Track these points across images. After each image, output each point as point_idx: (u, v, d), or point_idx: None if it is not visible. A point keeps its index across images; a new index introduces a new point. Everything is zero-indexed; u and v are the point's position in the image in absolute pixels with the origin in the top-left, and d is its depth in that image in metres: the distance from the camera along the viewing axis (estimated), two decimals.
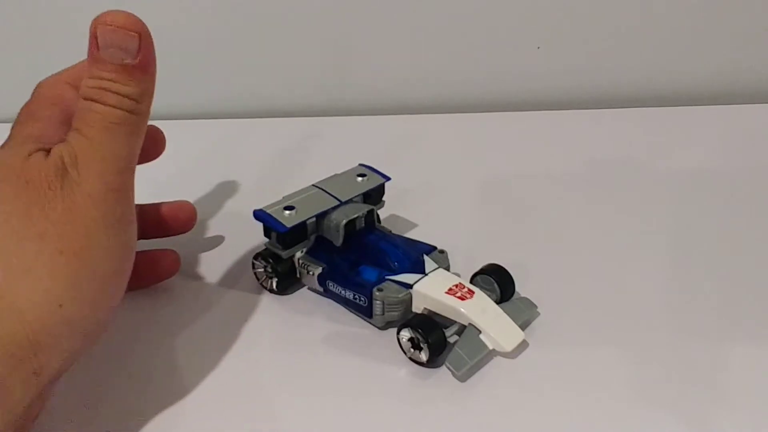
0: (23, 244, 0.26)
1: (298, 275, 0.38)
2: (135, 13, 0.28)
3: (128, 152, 0.29)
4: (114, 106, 0.28)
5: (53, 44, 0.58)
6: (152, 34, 0.28)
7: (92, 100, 0.28)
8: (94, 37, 0.28)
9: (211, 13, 0.57)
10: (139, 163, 0.32)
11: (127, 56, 0.28)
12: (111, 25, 0.28)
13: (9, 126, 0.65)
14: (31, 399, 0.26)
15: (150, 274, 0.38)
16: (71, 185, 0.27)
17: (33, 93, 0.33)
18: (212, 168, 0.51)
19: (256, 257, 0.38)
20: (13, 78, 0.60)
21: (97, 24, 0.28)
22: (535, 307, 0.36)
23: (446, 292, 0.34)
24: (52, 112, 0.31)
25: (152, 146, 0.37)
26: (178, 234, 0.39)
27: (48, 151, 0.28)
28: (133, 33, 0.28)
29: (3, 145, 0.31)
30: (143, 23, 0.28)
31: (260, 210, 0.37)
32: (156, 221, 0.39)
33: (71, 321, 0.27)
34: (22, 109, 0.32)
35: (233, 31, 0.58)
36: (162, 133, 0.37)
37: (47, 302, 0.26)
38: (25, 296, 0.26)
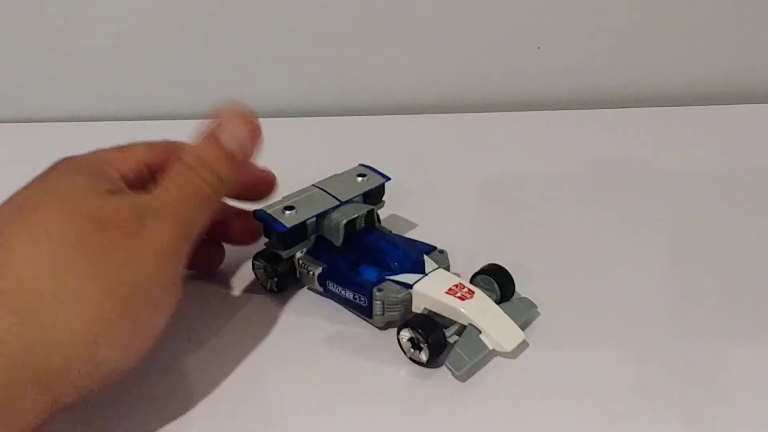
0: (80, 280, 0.27)
1: (298, 275, 0.38)
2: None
3: (198, 223, 0.31)
4: (205, 181, 0.31)
5: (53, 44, 0.58)
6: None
7: (191, 167, 0.31)
8: (221, 121, 0.33)
9: (211, 13, 0.57)
10: (245, 198, 0.37)
11: (238, 150, 0.32)
12: (242, 121, 0.33)
13: (9, 126, 0.65)
14: (39, 425, 0.27)
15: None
16: (142, 233, 0.29)
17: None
18: None
19: (256, 257, 0.38)
20: (13, 78, 0.60)
21: (231, 115, 0.33)
22: (535, 307, 0.36)
23: (446, 292, 0.34)
24: (156, 152, 0.34)
25: (255, 189, 0.38)
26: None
27: (120, 193, 0.30)
28: (254, 138, 0.33)
29: (86, 158, 0.32)
30: (261, 133, 0.33)
31: (260, 210, 0.37)
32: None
33: (100, 361, 0.28)
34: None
35: (233, 31, 0.58)
36: (272, 179, 0.39)
37: (85, 339, 0.27)
38: (67, 329, 0.26)
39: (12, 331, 0.26)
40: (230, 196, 0.38)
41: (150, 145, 0.35)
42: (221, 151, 0.32)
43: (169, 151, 0.35)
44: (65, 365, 0.26)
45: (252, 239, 0.39)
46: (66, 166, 0.32)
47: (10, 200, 0.30)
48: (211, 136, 0.32)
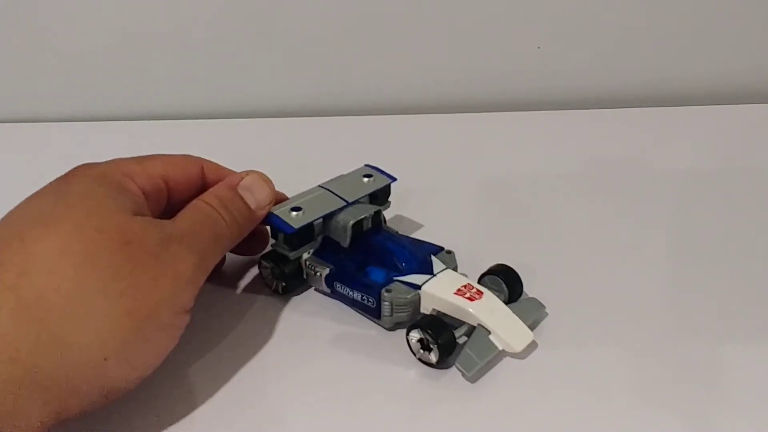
0: (101, 297, 0.27)
1: (305, 276, 0.38)
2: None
3: (215, 258, 0.33)
4: (224, 219, 0.33)
5: (54, 44, 0.58)
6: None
7: (211, 205, 0.33)
8: (241, 175, 0.35)
9: (211, 13, 0.57)
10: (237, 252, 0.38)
11: (254, 202, 0.35)
12: (260, 177, 0.36)
13: (8, 126, 0.65)
14: None
15: None
16: (166, 259, 0.29)
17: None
18: None
19: (263, 258, 0.38)
20: (13, 78, 0.59)
21: (254, 175, 0.36)
22: (543, 307, 0.36)
23: (455, 293, 0.34)
24: (175, 168, 0.35)
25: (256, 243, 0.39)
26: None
27: (144, 214, 0.31)
28: (270, 199, 0.36)
29: (107, 168, 0.32)
30: (275, 194, 0.36)
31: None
32: None
33: (108, 378, 0.28)
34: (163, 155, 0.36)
35: (233, 31, 0.58)
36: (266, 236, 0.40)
37: (97, 356, 0.27)
38: (81, 345, 0.27)
39: (27, 341, 0.26)
40: None
41: (169, 159, 0.35)
42: (239, 197, 0.34)
43: (188, 166, 0.35)
44: (74, 380, 0.27)
45: (257, 251, 0.39)
46: (87, 175, 0.31)
47: (29, 203, 0.30)
48: (230, 184, 0.35)
